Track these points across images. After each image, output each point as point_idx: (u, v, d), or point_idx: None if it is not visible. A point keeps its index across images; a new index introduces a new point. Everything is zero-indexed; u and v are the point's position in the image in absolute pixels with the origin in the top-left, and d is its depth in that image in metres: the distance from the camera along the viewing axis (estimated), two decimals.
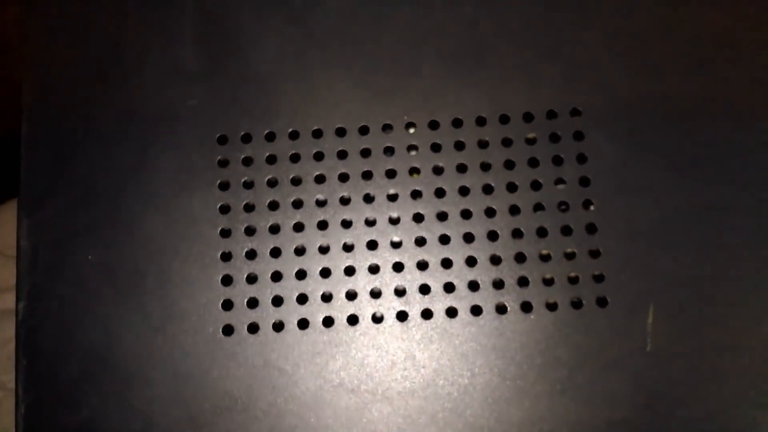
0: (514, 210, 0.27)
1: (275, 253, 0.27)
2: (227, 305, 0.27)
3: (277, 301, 0.27)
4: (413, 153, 0.28)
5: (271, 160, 0.28)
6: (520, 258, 0.27)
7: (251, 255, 0.27)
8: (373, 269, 0.27)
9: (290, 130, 0.28)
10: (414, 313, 0.27)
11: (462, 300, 0.27)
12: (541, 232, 0.27)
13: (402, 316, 0.27)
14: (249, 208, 0.28)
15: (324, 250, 0.27)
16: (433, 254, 0.27)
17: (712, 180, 0.27)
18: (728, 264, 0.27)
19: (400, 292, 0.27)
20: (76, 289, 0.27)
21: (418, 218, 0.28)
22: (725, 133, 0.28)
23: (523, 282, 0.27)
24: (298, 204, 0.28)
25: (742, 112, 0.28)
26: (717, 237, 0.27)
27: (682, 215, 0.27)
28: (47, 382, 0.27)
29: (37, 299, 0.27)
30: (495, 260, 0.27)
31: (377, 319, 0.27)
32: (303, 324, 0.27)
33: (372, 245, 0.27)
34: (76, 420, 0.26)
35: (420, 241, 0.27)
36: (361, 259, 0.27)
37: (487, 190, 0.28)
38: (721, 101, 0.28)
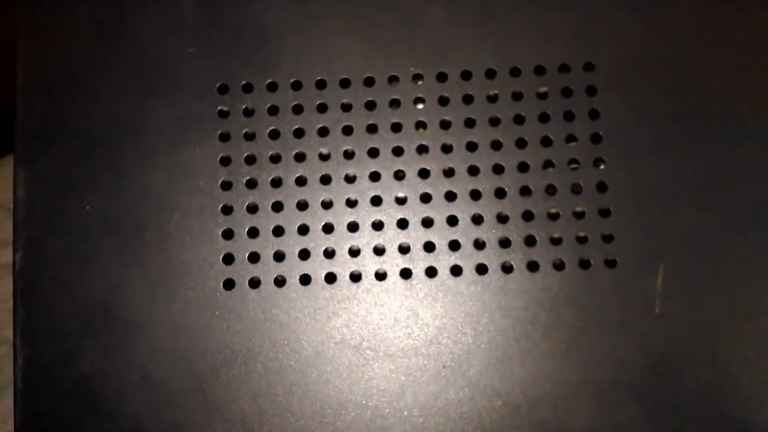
0: (522, 167, 0.27)
1: (277, 207, 0.27)
2: (228, 259, 0.26)
3: (279, 256, 0.27)
4: (420, 106, 0.27)
5: (273, 111, 0.27)
6: (527, 216, 0.26)
7: (252, 209, 0.27)
8: (377, 225, 0.27)
9: (293, 80, 0.27)
10: (418, 270, 0.26)
11: (467, 258, 0.26)
12: (550, 190, 0.27)
13: (406, 273, 0.26)
14: (250, 160, 0.27)
15: (327, 205, 0.27)
16: (438, 211, 0.27)
17: (724, 140, 0.26)
18: (740, 226, 0.26)
19: (404, 250, 0.27)
20: (75, 242, 0.27)
21: (423, 174, 0.27)
22: (739, 92, 0.27)
23: (530, 241, 0.26)
24: (300, 157, 0.27)
25: (756, 72, 0.27)
26: (729, 198, 0.26)
27: (695, 175, 0.26)
28: (45, 334, 0.26)
29: (34, 251, 0.27)
30: (502, 218, 0.26)
31: (380, 276, 0.26)
32: (305, 280, 0.26)
33: (376, 201, 0.27)
34: (74, 372, 0.26)
35: (425, 198, 0.27)
36: (365, 215, 0.27)
37: (496, 145, 0.27)
38: (735, 60, 0.27)
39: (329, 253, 0.27)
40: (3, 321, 0.56)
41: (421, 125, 0.27)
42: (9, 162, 0.58)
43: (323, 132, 0.27)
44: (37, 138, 0.27)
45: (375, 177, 0.27)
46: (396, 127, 0.27)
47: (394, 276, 0.26)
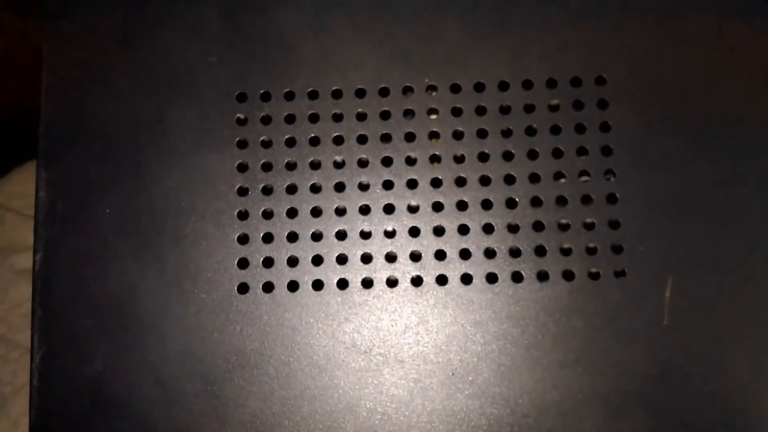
0: (533, 178, 0.27)
1: (291, 213, 0.27)
2: (243, 263, 0.27)
3: (293, 261, 0.27)
4: (433, 117, 0.28)
5: (290, 119, 0.28)
6: (538, 226, 0.27)
7: (268, 215, 0.27)
8: (389, 233, 0.27)
9: (309, 89, 0.28)
10: (429, 278, 0.27)
11: (478, 267, 0.27)
12: (561, 201, 0.27)
13: (417, 281, 0.27)
14: (266, 167, 0.28)
15: (340, 212, 0.27)
16: (450, 220, 0.27)
17: (734, 152, 0.27)
18: (749, 238, 0.26)
19: (415, 257, 0.27)
20: (93, 243, 0.27)
21: (436, 183, 0.27)
22: (749, 104, 0.27)
23: (540, 251, 0.27)
24: (315, 165, 0.28)
25: (767, 84, 0.27)
26: (738, 210, 0.26)
27: (704, 188, 0.27)
28: (62, 333, 0.27)
29: (53, 251, 0.27)
30: (513, 228, 0.27)
31: (392, 283, 0.27)
32: (317, 285, 0.27)
33: (389, 209, 0.27)
34: (89, 371, 0.26)
35: (437, 207, 0.27)
36: (378, 222, 0.27)
37: (507, 156, 0.27)
38: (745, 73, 0.27)
39: (342, 260, 0.27)
40: (16, 325, 0.57)
41: (434, 135, 0.28)
42: (24, 170, 0.59)
43: (338, 141, 0.28)
44: (59, 141, 0.28)
45: (388, 185, 0.27)
46: (409, 137, 0.28)
47: (405, 283, 0.27)
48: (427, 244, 0.27)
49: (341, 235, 0.27)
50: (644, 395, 0.26)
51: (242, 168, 0.28)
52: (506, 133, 0.27)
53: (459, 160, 0.27)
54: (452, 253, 0.27)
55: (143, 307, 0.27)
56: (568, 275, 0.26)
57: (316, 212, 0.27)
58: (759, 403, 0.25)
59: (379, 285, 0.27)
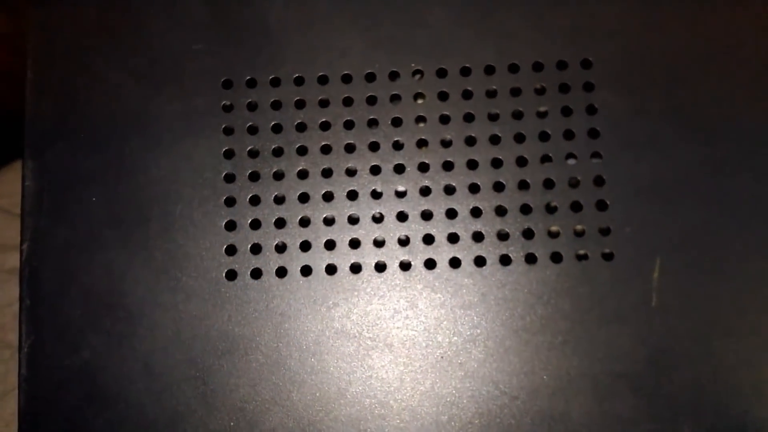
0: (521, 161, 0.27)
1: (279, 199, 0.27)
2: (230, 250, 0.27)
3: (280, 247, 0.27)
4: (420, 101, 0.28)
5: (276, 105, 0.28)
6: (525, 209, 0.27)
7: (255, 201, 0.27)
8: (377, 218, 0.27)
9: (295, 75, 0.28)
10: (417, 262, 0.27)
11: (466, 251, 0.27)
12: (548, 184, 0.27)
13: (405, 265, 0.27)
14: (253, 153, 0.28)
15: (328, 197, 0.27)
16: (437, 204, 0.27)
17: (721, 135, 0.27)
18: (736, 220, 0.26)
19: (403, 242, 0.27)
20: (80, 232, 0.27)
21: (423, 167, 0.27)
22: (736, 87, 0.27)
23: (528, 234, 0.27)
24: (302, 151, 0.28)
25: (752, 67, 0.27)
26: (725, 192, 0.27)
27: (691, 170, 0.27)
28: (50, 323, 0.27)
29: (40, 241, 0.27)
30: (500, 211, 0.27)
31: (380, 267, 0.27)
32: (306, 271, 0.27)
33: (376, 194, 0.27)
34: (77, 361, 0.26)
35: (425, 191, 0.27)
36: (365, 207, 0.27)
37: (494, 140, 0.27)
38: (733, 56, 0.27)
39: (330, 245, 0.27)
40: (6, 325, 0.56)
41: (421, 120, 0.28)
42: (12, 169, 0.58)
43: (325, 126, 0.28)
44: (46, 130, 0.28)
45: (375, 170, 0.27)
46: (396, 122, 0.28)
47: (393, 268, 0.27)
48: (415, 228, 0.27)
49: (329, 221, 0.27)
50: (633, 377, 0.26)
51: (229, 155, 0.28)
52: (493, 117, 0.27)
53: (446, 144, 0.27)
54: (440, 237, 0.27)
55: (131, 296, 0.27)
56: (556, 258, 0.26)
57: (304, 198, 0.27)
58: (748, 385, 0.26)
59: (368, 270, 0.27)
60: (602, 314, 0.26)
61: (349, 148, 0.27)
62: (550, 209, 0.27)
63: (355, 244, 0.27)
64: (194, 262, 0.27)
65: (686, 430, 0.25)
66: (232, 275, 0.27)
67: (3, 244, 0.57)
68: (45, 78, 0.28)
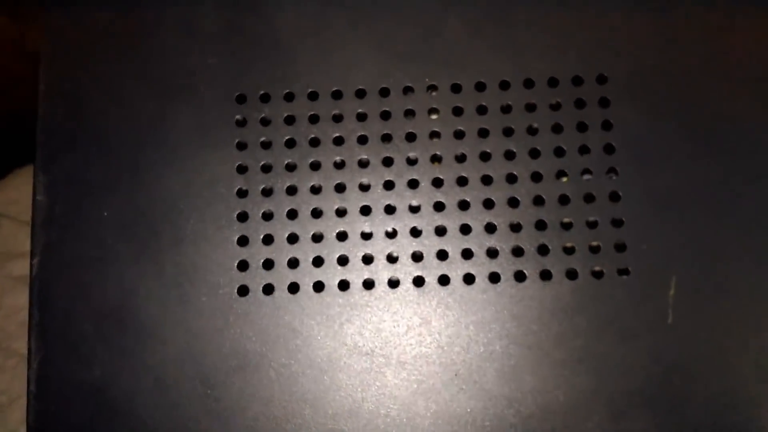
0: (536, 176, 0.27)
1: (292, 214, 0.27)
2: (243, 266, 0.27)
3: (293, 263, 0.27)
4: (434, 116, 0.28)
5: (290, 120, 0.28)
6: (540, 225, 0.27)
7: (268, 216, 0.27)
8: (391, 234, 0.27)
9: (309, 90, 0.28)
10: (431, 278, 0.27)
11: (480, 267, 0.26)
12: (563, 200, 0.27)
13: (419, 281, 0.27)
14: (266, 168, 0.27)
15: (341, 213, 0.27)
16: (451, 220, 0.27)
17: (736, 151, 0.27)
18: (753, 236, 0.26)
19: (417, 258, 0.27)
20: (91, 246, 0.27)
21: (437, 183, 0.27)
22: (751, 102, 0.27)
23: (543, 250, 0.26)
24: (315, 166, 0.27)
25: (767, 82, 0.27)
26: (742, 208, 0.26)
27: (707, 185, 0.27)
28: (60, 337, 0.26)
29: (51, 254, 0.27)
30: (515, 227, 0.27)
31: (393, 283, 0.27)
32: (318, 287, 0.27)
33: (390, 209, 0.27)
34: (88, 376, 0.26)
35: (439, 206, 0.27)
36: (379, 223, 0.27)
37: (509, 155, 0.27)
38: (747, 72, 0.27)
39: (343, 261, 0.27)
40: (12, 333, 0.56)
41: (435, 135, 0.27)
42: (19, 175, 0.58)
43: (338, 141, 0.27)
44: (57, 143, 0.28)
45: (389, 186, 0.27)
46: (410, 137, 0.27)
47: (407, 284, 0.27)
48: (429, 244, 0.27)
49: (342, 236, 0.27)
50: (648, 394, 0.25)
51: (242, 169, 0.27)
52: (507, 132, 0.27)
53: (460, 159, 0.27)
54: (454, 253, 0.27)
55: (142, 311, 0.26)
56: (571, 274, 0.26)
57: (317, 213, 0.27)
58: (763, 403, 0.25)
59: (381, 286, 0.27)
60: (618, 331, 0.26)
61: (363, 164, 0.27)
62: (565, 225, 0.27)
63: (368, 259, 0.27)
64: (206, 277, 0.27)
65: None
66: (244, 291, 0.27)
67: (10, 251, 0.57)
68: (57, 90, 0.28)
